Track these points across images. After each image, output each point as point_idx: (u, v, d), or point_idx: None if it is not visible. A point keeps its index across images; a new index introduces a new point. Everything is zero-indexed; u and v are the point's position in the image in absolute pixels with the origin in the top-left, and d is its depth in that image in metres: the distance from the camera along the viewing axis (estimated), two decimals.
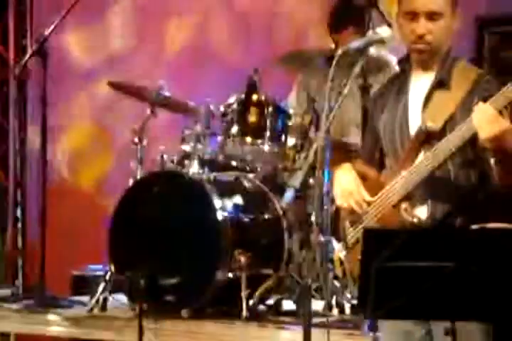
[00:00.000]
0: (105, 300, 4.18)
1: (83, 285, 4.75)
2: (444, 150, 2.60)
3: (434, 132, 2.68)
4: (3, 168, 6.14)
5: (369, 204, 2.77)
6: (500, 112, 2.50)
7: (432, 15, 2.69)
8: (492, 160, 2.60)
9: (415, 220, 2.65)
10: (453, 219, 2.68)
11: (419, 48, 2.73)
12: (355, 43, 2.92)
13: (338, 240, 2.97)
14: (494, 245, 2.15)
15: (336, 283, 3.91)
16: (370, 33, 3.08)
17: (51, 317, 4.22)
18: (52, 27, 4.59)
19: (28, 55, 4.76)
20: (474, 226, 2.26)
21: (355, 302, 3.81)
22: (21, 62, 4.97)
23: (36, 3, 6.05)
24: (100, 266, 4.68)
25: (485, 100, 2.63)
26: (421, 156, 2.70)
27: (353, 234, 2.83)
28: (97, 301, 4.15)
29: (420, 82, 2.78)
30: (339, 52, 2.85)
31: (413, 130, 2.74)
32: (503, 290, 2.14)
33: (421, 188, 2.68)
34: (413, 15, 2.71)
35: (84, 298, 4.33)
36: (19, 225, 5.97)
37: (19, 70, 5.43)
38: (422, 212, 2.69)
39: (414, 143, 2.71)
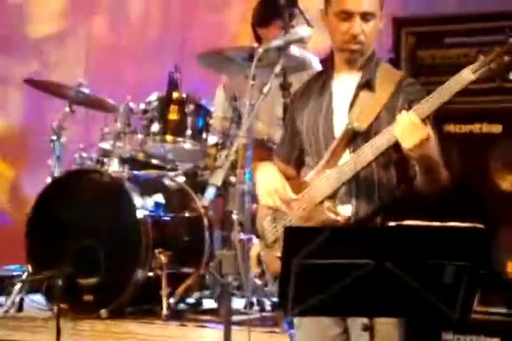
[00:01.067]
0: (22, 300, 4.10)
1: None
2: (369, 153, 2.63)
3: (359, 132, 2.70)
4: None
5: (294, 199, 2.77)
6: (423, 120, 2.54)
7: (365, 16, 2.71)
8: (416, 168, 2.64)
9: (339, 218, 2.67)
10: (375, 217, 2.72)
11: (352, 48, 2.74)
12: (276, 42, 2.92)
13: (258, 238, 2.97)
14: (409, 241, 2.19)
15: (257, 281, 3.92)
16: (291, 31, 3.09)
17: None
18: None
19: None
20: (391, 224, 2.29)
21: (275, 299, 3.83)
22: None
23: None
24: (17, 266, 4.60)
25: (409, 104, 2.67)
26: (346, 156, 2.72)
27: (272, 232, 2.83)
28: (13, 302, 4.07)
29: (344, 82, 2.80)
30: (259, 50, 2.85)
31: (337, 129, 2.76)
32: (418, 285, 2.18)
33: (345, 187, 2.70)
34: (347, 16, 2.72)
35: (1, 299, 4.24)
36: None
37: None
38: (345, 211, 2.71)
39: (340, 143, 2.72)
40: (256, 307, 3.92)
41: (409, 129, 2.54)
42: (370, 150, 2.64)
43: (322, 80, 2.85)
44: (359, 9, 2.71)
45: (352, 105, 2.75)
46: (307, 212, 2.74)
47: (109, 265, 3.99)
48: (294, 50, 3.94)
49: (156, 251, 3.99)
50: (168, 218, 4.18)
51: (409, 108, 2.62)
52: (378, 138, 2.64)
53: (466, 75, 2.54)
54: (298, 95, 2.91)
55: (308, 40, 3.01)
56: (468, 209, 3.28)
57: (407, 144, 2.54)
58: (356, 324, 2.60)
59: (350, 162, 2.67)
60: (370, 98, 2.74)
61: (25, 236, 4.16)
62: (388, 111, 2.73)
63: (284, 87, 4.01)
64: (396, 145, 2.60)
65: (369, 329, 2.31)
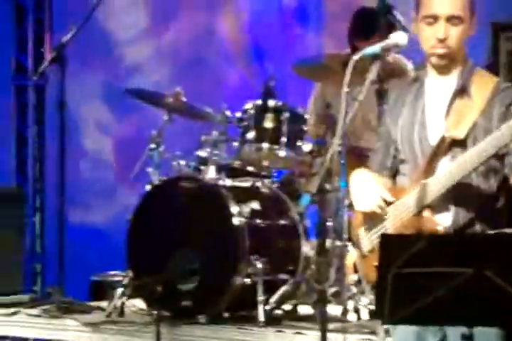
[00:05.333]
0: (123, 305, 4.19)
1: (101, 290, 4.77)
2: (470, 161, 2.58)
3: (457, 140, 2.67)
4: (23, 174, 6.18)
5: (390, 204, 2.74)
6: None
7: (452, 20, 2.68)
8: None
9: (439, 228, 2.63)
10: (474, 226, 2.67)
11: (439, 53, 2.71)
12: (371, 49, 2.91)
13: (354, 246, 2.96)
14: (510, 249, 2.15)
15: (353, 289, 3.91)
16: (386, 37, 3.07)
17: (69, 322, 4.24)
18: (70, 34, 4.63)
19: (46, 62, 4.80)
20: (491, 232, 2.26)
21: (372, 307, 3.80)
22: (39, 69, 5.02)
23: (54, 11, 6.09)
24: (118, 272, 4.71)
25: (507, 107, 2.62)
26: (442, 164, 2.68)
27: (368, 241, 2.81)
28: (115, 307, 4.17)
29: (438, 88, 2.77)
30: (354, 57, 2.85)
31: (432, 137, 2.73)
32: None
33: (443, 196, 2.66)
34: (433, 19, 2.70)
35: (103, 304, 4.35)
36: (37, 231, 6.01)
37: (37, 77, 5.48)
38: (444, 220, 2.67)
39: (436, 151, 2.69)
40: (352, 315, 3.91)
41: None
42: (471, 158, 2.60)
43: (416, 87, 2.83)
44: (445, 13, 2.68)
45: (448, 112, 2.71)
46: (403, 221, 2.71)
47: (207, 271, 4.04)
48: (390, 56, 3.92)
49: (252, 257, 4.02)
50: (264, 225, 4.21)
51: (506, 111, 2.57)
52: (481, 145, 2.59)
53: None
54: (392, 103, 2.89)
55: (404, 45, 2.99)
56: None
57: None
58: (454, 333, 2.56)
59: (449, 170, 2.63)
60: (466, 105, 2.70)
61: (126, 242, 4.26)
62: (485, 118, 2.68)
63: (380, 93, 3.99)
64: (497, 154, 2.56)
65: (468, 339, 2.27)
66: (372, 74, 2.88)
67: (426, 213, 2.66)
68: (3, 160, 6.16)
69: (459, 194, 2.67)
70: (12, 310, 4.39)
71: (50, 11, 6.13)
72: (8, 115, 6.21)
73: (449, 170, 2.64)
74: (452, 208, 2.68)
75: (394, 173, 2.86)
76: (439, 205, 2.68)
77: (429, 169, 2.70)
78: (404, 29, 4.01)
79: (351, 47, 4.55)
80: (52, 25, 6.09)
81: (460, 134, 2.67)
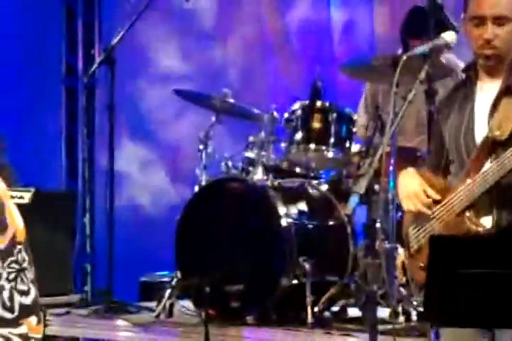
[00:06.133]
0: (171, 306, 4.21)
1: (150, 291, 4.80)
2: (510, 162, 2.56)
3: (500, 141, 2.64)
4: (73, 175, 6.25)
5: (438, 203, 2.72)
6: None
7: (499, 20, 2.66)
8: None
9: (480, 229, 2.61)
10: None
11: (486, 53, 2.69)
12: (420, 48, 2.89)
13: (403, 246, 2.94)
14: None
15: (402, 290, 3.87)
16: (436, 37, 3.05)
17: (119, 322, 4.27)
18: (119, 36, 4.67)
19: (95, 64, 4.85)
20: None
21: (421, 309, 3.77)
22: (89, 71, 5.07)
23: (104, 13, 6.16)
24: (167, 273, 4.73)
25: None
26: (487, 165, 2.65)
27: (415, 241, 2.80)
28: (164, 307, 4.19)
29: (486, 89, 2.74)
30: (404, 58, 2.82)
31: (479, 138, 2.70)
32: None
33: (486, 197, 2.64)
34: (480, 20, 2.68)
35: (152, 304, 4.38)
36: (87, 231, 6.08)
37: (87, 79, 5.54)
38: (486, 221, 2.65)
39: (480, 152, 2.67)
40: (401, 317, 3.87)
41: None
42: (510, 158, 2.57)
43: (465, 88, 2.80)
44: (491, 13, 2.65)
45: (493, 113, 2.68)
46: (448, 221, 2.69)
47: (255, 272, 4.04)
48: (440, 56, 3.88)
49: (300, 258, 4.01)
50: (311, 226, 4.20)
51: None
52: None
53: None
54: (443, 104, 2.87)
55: (454, 45, 2.96)
56: None
57: None
58: (505, 335, 2.53)
59: (490, 171, 2.61)
60: (511, 105, 2.66)
61: (174, 242, 4.28)
62: None
63: (430, 93, 3.96)
64: None
65: None
66: (422, 74, 2.85)
67: (467, 214, 2.64)
68: (54, 162, 6.24)
69: (501, 196, 2.64)
70: (63, 310, 4.44)
71: (100, 14, 6.20)
72: (59, 117, 6.29)
73: (491, 170, 2.61)
74: (494, 210, 2.65)
75: (448, 174, 2.84)
76: (481, 207, 2.65)
77: (474, 170, 2.67)
78: (454, 29, 3.98)
79: (403, 46, 4.52)
80: (101, 28, 6.15)
81: (502, 134, 2.63)
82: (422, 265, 2.64)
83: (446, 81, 4.01)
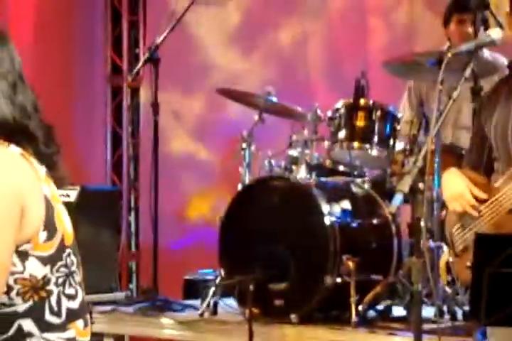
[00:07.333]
0: (216, 304, 4.23)
1: (194, 289, 4.82)
2: None
3: None
4: (118, 172, 6.31)
5: (483, 202, 2.69)
6: None
7: None
8: None
9: None
10: None
11: None
12: (466, 45, 2.86)
13: (448, 245, 2.91)
14: None
15: (447, 289, 3.84)
16: (481, 34, 3.01)
17: (164, 320, 4.30)
18: (163, 35, 4.70)
19: (140, 63, 4.89)
20: None
21: (467, 308, 3.73)
22: (134, 70, 5.11)
23: (148, 12, 6.20)
24: (211, 271, 4.75)
25: None
26: None
27: (461, 240, 2.77)
28: (208, 305, 4.21)
29: None
30: (449, 55, 2.80)
31: None
32: None
33: None
34: None
35: (196, 302, 4.40)
36: (132, 229, 6.12)
37: (132, 78, 5.59)
38: None
39: None
40: (447, 316, 3.84)
41: None
42: None
43: (510, 84, 2.76)
44: None
45: None
46: (496, 220, 2.65)
47: (298, 270, 4.04)
48: (485, 53, 3.83)
49: (344, 257, 4.00)
50: (355, 224, 4.18)
51: None
52: None
53: None
54: (486, 100, 2.84)
55: (500, 42, 2.92)
56: None
57: None
58: None
59: None
60: None
61: (218, 241, 4.30)
62: None
63: (475, 91, 3.91)
64: None
65: None
66: (467, 71, 2.82)
67: None
68: (99, 160, 6.30)
69: None
70: (108, 307, 4.48)
71: (144, 13, 6.24)
72: (104, 115, 6.35)
73: None
74: None
75: (489, 171, 2.80)
76: None
77: None
78: (500, 26, 3.93)
79: (444, 22, 4.51)
80: (146, 27, 6.20)
81: None
82: (468, 264, 2.61)
83: (492, 78, 3.96)
